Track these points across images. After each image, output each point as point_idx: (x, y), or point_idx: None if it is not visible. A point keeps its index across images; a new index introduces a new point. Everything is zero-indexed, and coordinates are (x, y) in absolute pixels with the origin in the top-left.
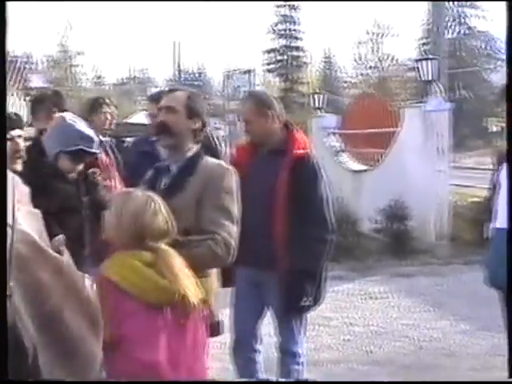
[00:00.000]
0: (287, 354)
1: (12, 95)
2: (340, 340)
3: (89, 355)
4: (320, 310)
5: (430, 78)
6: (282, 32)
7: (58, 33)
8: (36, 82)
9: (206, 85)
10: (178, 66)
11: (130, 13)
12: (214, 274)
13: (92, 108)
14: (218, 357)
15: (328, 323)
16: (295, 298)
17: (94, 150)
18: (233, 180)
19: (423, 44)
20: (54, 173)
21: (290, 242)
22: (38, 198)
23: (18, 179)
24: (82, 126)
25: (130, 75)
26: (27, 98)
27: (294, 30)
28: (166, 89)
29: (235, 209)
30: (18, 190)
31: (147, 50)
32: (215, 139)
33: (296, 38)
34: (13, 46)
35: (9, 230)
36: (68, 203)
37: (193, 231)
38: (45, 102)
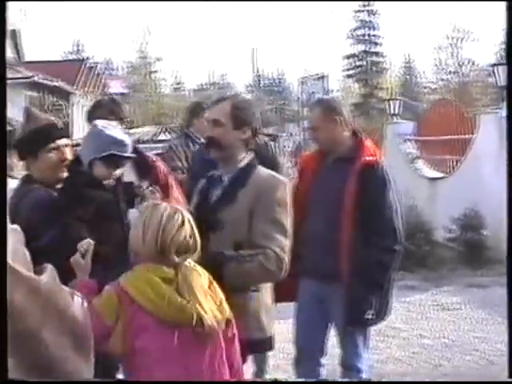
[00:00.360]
0: (349, 370)
1: (91, 100)
2: (409, 352)
3: (73, 374)
4: (390, 321)
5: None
6: (361, 37)
7: (138, 39)
8: (115, 87)
9: (286, 90)
10: (257, 71)
11: (209, 18)
12: (267, 288)
13: (193, 112)
14: (283, 367)
15: (398, 334)
16: (359, 311)
17: (126, 155)
18: (286, 192)
19: (503, 49)
20: (89, 181)
21: (355, 253)
22: (76, 207)
23: None
24: (115, 131)
25: (210, 81)
26: None
27: (373, 36)
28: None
29: (288, 222)
30: None
31: (226, 55)
32: (272, 147)
33: (375, 44)
34: (93, 52)
35: None
36: (105, 210)
37: (244, 245)
38: (101, 110)
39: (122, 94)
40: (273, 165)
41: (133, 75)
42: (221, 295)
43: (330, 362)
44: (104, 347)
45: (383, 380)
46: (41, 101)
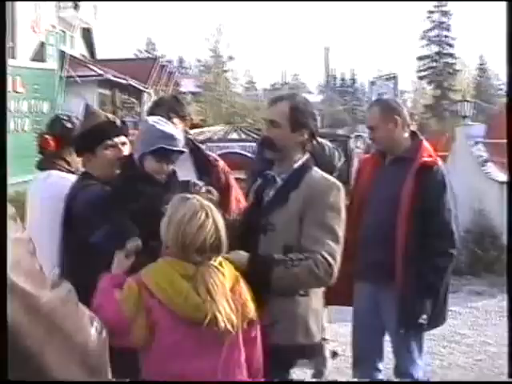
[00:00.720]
0: (404, 377)
1: None
2: (473, 360)
3: None
4: (455, 326)
5: None
6: (435, 38)
7: (210, 37)
8: (187, 86)
9: (358, 91)
10: (330, 71)
11: (282, 18)
12: (317, 293)
13: None
14: (342, 371)
15: (462, 340)
16: (413, 315)
17: (176, 148)
18: (339, 196)
19: None
20: (140, 176)
21: (410, 255)
22: (127, 202)
23: None
24: (165, 126)
25: (282, 80)
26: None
27: (447, 37)
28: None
29: (339, 227)
30: None
31: (299, 55)
32: (329, 149)
33: (449, 45)
34: (165, 51)
35: None
36: (156, 205)
37: (294, 248)
38: (162, 107)
39: (194, 92)
40: (328, 167)
41: (205, 74)
42: (246, 296)
43: (390, 366)
44: (126, 340)
45: None
46: (112, 98)
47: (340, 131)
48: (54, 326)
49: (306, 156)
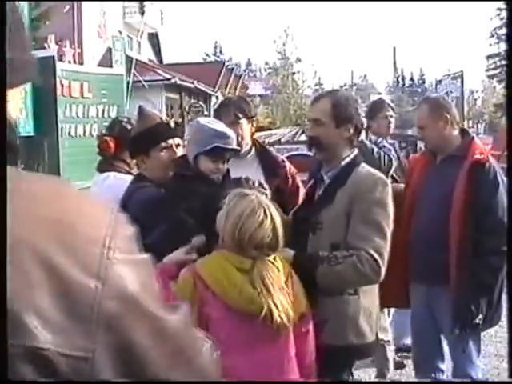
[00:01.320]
0: (462, 378)
1: None
2: None
3: None
4: None
5: None
6: (505, 36)
7: (278, 40)
8: (255, 89)
9: (427, 90)
10: (398, 71)
11: (349, 18)
12: (368, 291)
13: (373, 111)
14: (405, 373)
15: None
16: (468, 315)
17: (231, 147)
18: (385, 191)
19: None
20: (196, 176)
21: (464, 254)
22: (183, 202)
23: (122, 219)
24: (217, 125)
25: (351, 81)
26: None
27: None
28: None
29: (386, 223)
30: (120, 234)
31: (367, 55)
32: (377, 152)
33: None
34: (232, 54)
35: (96, 284)
36: (212, 205)
37: (341, 246)
38: (229, 107)
39: (262, 95)
40: (373, 163)
41: (273, 76)
42: (299, 289)
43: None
44: None
45: None
46: (180, 102)
47: (409, 131)
48: (178, 350)
49: (354, 152)
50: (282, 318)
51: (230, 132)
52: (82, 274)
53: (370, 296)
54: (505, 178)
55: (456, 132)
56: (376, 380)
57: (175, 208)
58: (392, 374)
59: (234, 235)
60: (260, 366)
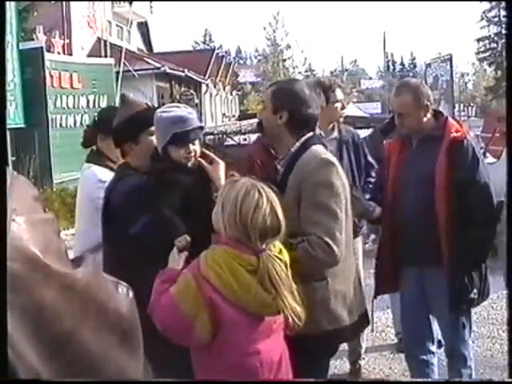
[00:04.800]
0: (456, 357)
1: (223, 90)
2: None
3: (119, 374)
4: None
5: None
6: (494, 19)
7: (267, 27)
8: (246, 76)
9: (418, 74)
10: (389, 56)
11: (338, 3)
12: (335, 275)
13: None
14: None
15: None
16: (464, 291)
17: (190, 128)
18: (329, 171)
19: None
20: (171, 167)
21: (453, 231)
22: (165, 194)
23: (23, 181)
24: (172, 111)
25: (341, 67)
26: (237, 93)
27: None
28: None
29: (334, 203)
30: (20, 195)
31: (357, 40)
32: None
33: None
34: (222, 41)
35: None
36: (192, 194)
37: (298, 234)
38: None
39: (253, 82)
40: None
41: (263, 63)
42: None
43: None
44: (190, 339)
45: None
46: (171, 91)
47: None
48: (88, 299)
49: (303, 139)
50: (293, 320)
51: (185, 113)
52: None
53: (341, 279)
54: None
55: (430, 114)
56: (375, 379)
57: (158, 198)
58: (396, 356)
59: (235, 223)
60: (266, 353)
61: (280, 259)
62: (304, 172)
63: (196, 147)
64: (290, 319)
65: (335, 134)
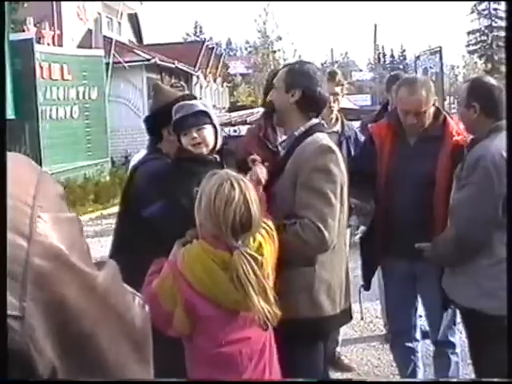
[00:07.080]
0: (445, 344)
1: (214, 82)
2: None
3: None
4: None
5: None
6: (484, 12)
7: (258, 18)
8: (236, 68)
9: (409, 67)
10: (379, 48)
11: None
12: (324, 263)
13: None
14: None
15: None
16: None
17: (186, 114)
18: (328, 157)
19: None
20: (191, 158)
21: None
22: (183, 181)
23: (47, 179)
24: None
25: (331, 59)
26: (227, 84)
27: (496, 10)
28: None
29: (330, 189)
30: (46, 192)
31: (347, 32)
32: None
33: (499, 18)
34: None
35: (24, 243)
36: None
37: (292, 218)
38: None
39: (243, 74)
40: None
41: (254, 55)
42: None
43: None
44: (169, 331)
45: None
46: (161, 82)
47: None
48: (108, 304)
49: (310, 123)
50: (264, 320)
51: (183, 99)
52: (10, 232)
53: (329, 268)
54: None
55: (431, 110)
56: (375, 380)
57: (174, 188)
58: (385, 347)
59: (210, 217)
60: (243, 343)
61: (254, 257)
62: (303, 157)
63: (204, 134)
64: (257, 318)
65: (337, 127)
